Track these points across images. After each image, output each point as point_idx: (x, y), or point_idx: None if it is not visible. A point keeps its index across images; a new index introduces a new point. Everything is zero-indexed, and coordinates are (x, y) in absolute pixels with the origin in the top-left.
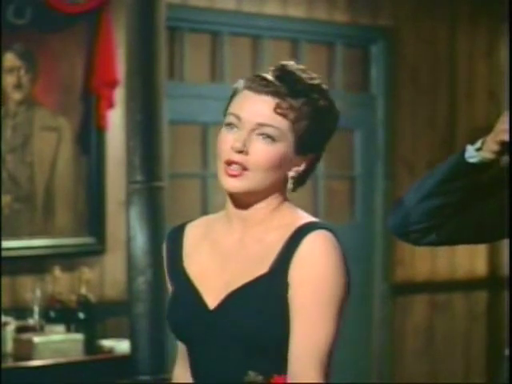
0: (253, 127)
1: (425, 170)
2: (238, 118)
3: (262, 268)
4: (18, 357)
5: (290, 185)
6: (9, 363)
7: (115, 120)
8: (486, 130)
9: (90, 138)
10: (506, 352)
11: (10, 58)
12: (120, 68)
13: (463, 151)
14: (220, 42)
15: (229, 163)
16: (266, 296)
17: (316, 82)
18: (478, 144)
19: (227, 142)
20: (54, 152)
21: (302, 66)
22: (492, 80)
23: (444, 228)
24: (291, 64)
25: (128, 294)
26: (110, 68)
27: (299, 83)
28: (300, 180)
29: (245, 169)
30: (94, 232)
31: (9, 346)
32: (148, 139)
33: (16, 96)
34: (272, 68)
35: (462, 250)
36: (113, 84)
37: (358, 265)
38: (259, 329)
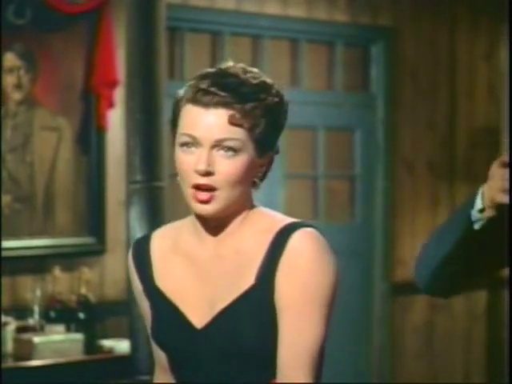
0: (212, 144)
1: (425, 170)
2: (192, 137)
3: (247, 280)
4: (17, 357)
5: (254, 185)
6: (9, 363)
7: (115, 120)
8: (486, 130)
9: (90, 138)
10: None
11: (10, 58)
12: (120, 68)
13: (469, 217)
14: (220, 42)
15: (197, 188)
16: (260, 307)
17: (260, 79)
18: (479, 205)
19: (188, 164)
20: (54, 152)
21: (242, 65)
22: (492, 80)
23: (465, 278)
24: (231, 66)
25: (128, 294)
26: (110, 68)
27: (244, 86)
28: (263, 177)
29: (213, 189)
30: (94, 232)
31: (9, 346)
32: (148, 139)
33: (16, 96)
34: (211, 72)
35: None
36: (113, 84)
37: (358, 265)
38: (258, 341)
